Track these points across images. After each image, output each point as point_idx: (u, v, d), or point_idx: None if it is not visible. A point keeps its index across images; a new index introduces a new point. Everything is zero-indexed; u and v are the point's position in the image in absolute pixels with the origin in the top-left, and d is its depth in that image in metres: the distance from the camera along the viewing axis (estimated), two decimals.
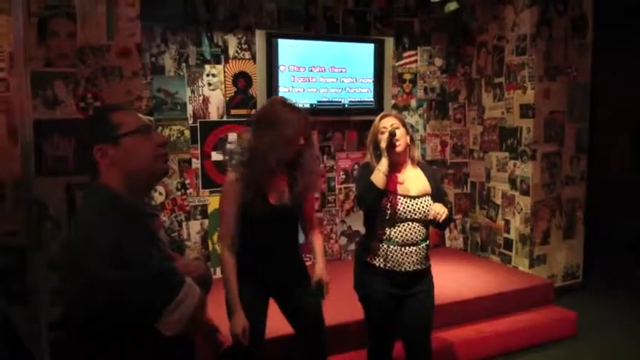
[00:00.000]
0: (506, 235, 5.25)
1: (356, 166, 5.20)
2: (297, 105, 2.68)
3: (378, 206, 2.79)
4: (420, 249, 2.79)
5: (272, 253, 2.66)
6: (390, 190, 2.76)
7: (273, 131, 2.50)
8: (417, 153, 2.93)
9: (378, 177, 2.70)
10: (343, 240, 5.27)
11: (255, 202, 2.53)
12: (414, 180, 2.83)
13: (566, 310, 4.40)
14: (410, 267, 2.78)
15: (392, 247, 2.77)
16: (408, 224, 2.76)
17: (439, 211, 2.68)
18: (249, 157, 2.56)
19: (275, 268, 2.68)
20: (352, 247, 5.20)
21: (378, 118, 2.88)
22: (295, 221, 2.76)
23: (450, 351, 3.79)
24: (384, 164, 2.70)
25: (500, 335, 4.04)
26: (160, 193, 4.44)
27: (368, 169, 2.81)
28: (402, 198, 2.76)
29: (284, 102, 2.63)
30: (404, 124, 2.83)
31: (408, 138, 2.83)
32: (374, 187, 2.71)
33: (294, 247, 2.81)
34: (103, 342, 1.54)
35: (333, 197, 5.18)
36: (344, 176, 5.21)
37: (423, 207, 2.76)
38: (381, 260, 2.80)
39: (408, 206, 2.75)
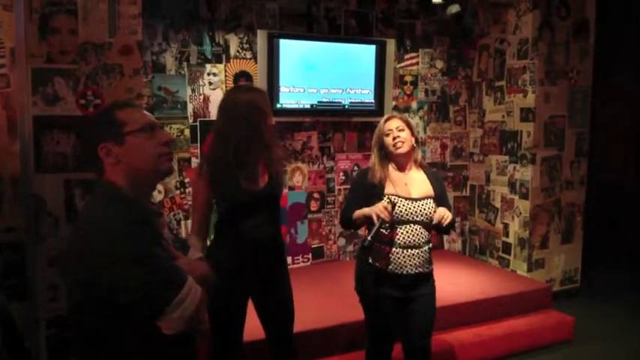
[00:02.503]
0: (504, 239, 5.25)
1: (356, 168, 5.20)
2: (252, 86, 2.71)
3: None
4: (422, 252, 2.78)
5: (251, 245, 2.56)
6: (390, 194, 2.77)
7: (239, 116, 2.49)
8: (419, 155, 2.93)
9: (360, 215, 2.76)
10: (342, 241, 5.26)
11: (229, 188, 2.49)
12: (416, 182, 2.83)
13: (563, 315, 4.39)
14: (412, 270, 2.77)
15: (394, 249, 2.76)
16: (411, 226, 2.75)
17: (444, 214, 2.68)
18: (221, 147, 2.53)
19: (255, 263, 2.59)
20: (350, 248, 5.21)
21: (383, 120, 2.89)
22: (272, 210, 2.66)
23: (447, 354, 3.79)
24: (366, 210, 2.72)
25: (498, 339, 4.03)
26: (159, 192, 4.44)
27: (363, 181, 2.82)
28: (403, 200, 2.75)
29: (241, 87, 2.66)
30: (409, 126, 2.85)
31: (413, 140, 2.84)
32: (352, 222, 2.81)
33: (276, 241, 2.71)
34: (105, 340, 1.54)
35: (332, 198, 5.18)
36: (344, 177, 5.20)
37: (425, 209, 2.75)
38: (384, 262, 2.79)
39: (409, 208, 2.74)
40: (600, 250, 5.70)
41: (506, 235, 5.22)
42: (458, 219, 5.72)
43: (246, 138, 2.47)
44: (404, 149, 2.78)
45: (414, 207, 2.75)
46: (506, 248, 5.22)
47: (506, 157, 5.20)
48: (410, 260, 2.76)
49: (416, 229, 2.76)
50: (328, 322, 3.68)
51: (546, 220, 5.05)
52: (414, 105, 5.48)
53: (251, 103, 2.51)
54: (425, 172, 2.90)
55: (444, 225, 2.69)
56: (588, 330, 4.39)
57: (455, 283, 4.56)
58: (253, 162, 2.53)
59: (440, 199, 2.83)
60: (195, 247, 2.52)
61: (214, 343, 2.64)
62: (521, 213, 5.04)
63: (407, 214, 2.74)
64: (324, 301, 4.01)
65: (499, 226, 5.31)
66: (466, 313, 4.13)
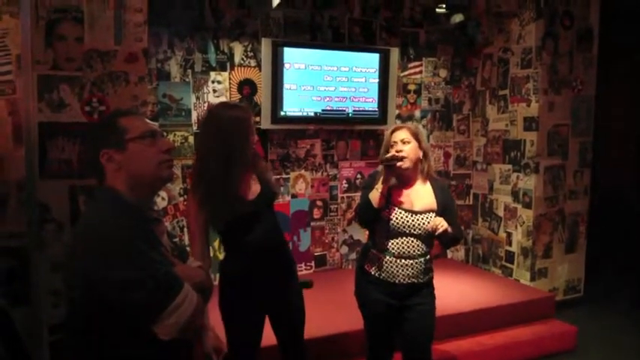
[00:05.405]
0: (508, 248, 5.24)
1: (359, 175, 5.21)
2: (236, 102, 2.73)
3: (373, 223, 2.80)
4: (416, 263, 2.75)
5: (262, 258, 2.56)
6: (392, 204, 2.76)
7: (228, 131, 2.48)
8: (428, 167, 2.83)
9: (374, 196, 2.70)
10: (344, 249, 5.26)
11: (228, 201, 2.48)
12: (420, 195, 2.79)
13: (566, 325, 4.38)
14: (404, 280, 2.76)
15: (387, 257, 2.76)
16: (407, 239, 2.74)
17: (437, 222, 2.63)
18: (212, 161, 2.50)
19: (268, 273, 2.60)
20: (353, 256, 5.20)
21: (390, 130, 2.83)
22: (272, 217, 2.68)
23: None
24: (380, 184, 2.69)
25: (501, 348, 4.02)
26: (163, 198, 4.45)
27: (374, 180, 2.80)
28: (403, 212, 2.74)
29: (225, 104, 2.68)
30: (417, 138, 2.77)
31: (421, 153, 2.78)
32: (370, 205, 2.71)
33: (284, 248, 2.73)
34: (100, 344, 1.55)
35: (335, 206, 5.18)
36: (346, 185, 5.21)
37: (424, 223, 2.72)
38: (376, 269, 2.80)
39: (408, 221, 2.73)
40: (604, 259, 5.69)
41: (510, 244, 5.21)
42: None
43: (235, 151, 2.48)
44: (405, 164, 2.71)
45: (414, 220, 2.73)
46: (510, 257, 5.21)
47: (510, 166, 5.19)
48: (403, 270, 2.75)
49: (412, 241, 2.75)
50: (330, 330, 3.68)
51: (549, 230, 5.04)
52: (418, 113, 5.49)
53: (238, 118, 2.52)
54: (432, 184, 2.84)
55: (437, 233, 2.63)
56: (591, 340, 4.37)
57: (458, 292, 4.55)
58: (242, 175, 2.54)
59: (444, 211, 2.78)
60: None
61: (231, 355, 2.64)
62: (524, 222, 5.03)
63: (405, 227, 2.73)
64: (327, 309, 4.01)
65: (502, 235, 5.31)
66: (469, 322, 4.13)
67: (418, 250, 2.76)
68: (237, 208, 2.50)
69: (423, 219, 2.73)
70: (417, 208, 2.75)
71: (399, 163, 2.66)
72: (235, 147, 2.48)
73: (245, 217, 2.53)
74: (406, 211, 2.74)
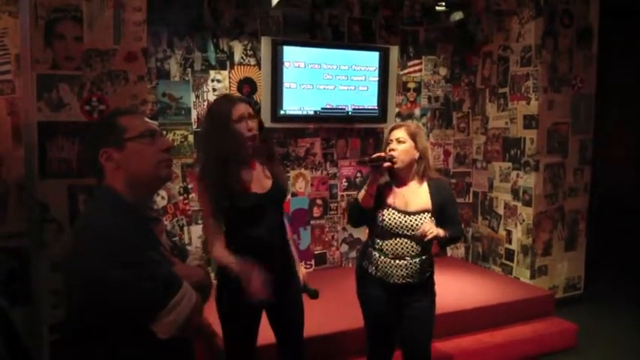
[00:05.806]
0: (507, 246, 5.24)
1: (358, 174, 5.21)
2: (238, 96, 2.72)
3: (363, 223, 2.82)
4: (412, 263, 2.73)
5: (263, 254, 2.52)
6: (385, 204, 2.75)
7: (215, 123, 2.49)
8: (425, 168, 2.77)
9: (361, 195, 2.71)
10: (344, 247, 5.26)
11: (231, 196, 2.46)
12: (415, 196, 2.75)
13: (566, 322, 4.38)
14: (398, 280, 2.74)
15: (382, 257, 2.75)
16: (400, 239, 2.72)
17: (427, 229, 2.59)
18: (207, 155, 2.52)
19: (269, 270, 2.53)
20: (353, 254, 5.20)
21: (390, 128, 2.83)
22: (278, 213, 2.67)
23: None
24: (367, 183, 2.69)
25: (500, 346, 4.02)
26: (163, 197, 4.45)
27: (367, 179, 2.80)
28: (396, 212, 2.72)
29: (226, 96, 2.67)
30: (414, 138, 2.74)
31: (417, 154, 2.75)
32: (358, 204, 2.73)
33: (285, 245, 2.72)
34: (100, 343, 1.55)
35: (335, 204, 5.18)
36: (346, 184, 5.21)
37: (417, 224, 2.68)
38: (373, 268, 2.80)
39: (400, 222, 2.71)
40: (604, 257, 5.68)
41: (510, 242, 5.22)
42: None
43: (231, 146, 2.46)
44: (396, 164, 2.68)
45: (406, 221, 2.70)
46: (510, 255, 5.21)
47: (510, 164, 5.19)
48: (397, 271, 2.73)
49: (405, 242, 2.72)
50: (330, 329, 3.68)
51: (549, 228, 5.04)
52: (417, 112, 5.49)
53: (233, 111, 2.50)
54: (429, 184, 2.79)
55: (425, 240, 2.59)
56: (591, 337, 4.38)
57: (458, 290, 4.55)
58: (241, 167, 2.52)
59: (440, 211, 2.74)
60: (224, 258, 2.48)
61: (228, 354, 2.64)
62: (524, 220, 5.03)
63: (397, 228, 2.71)
64: (327, 307, 4.01)
65: (502, 232, 5.31)
66: (469, 320, 4.13)
67: (412, 251, 2.73)
68: (236, 200, 2.49)
69: (416, 220, 2.70)
70: (410, 209, 2.72)
71: (386, 164, 2.64)
72: (230, 140, 2.46)
73: (247, 210, 2.52)
74: (399, 211, 2.72)
